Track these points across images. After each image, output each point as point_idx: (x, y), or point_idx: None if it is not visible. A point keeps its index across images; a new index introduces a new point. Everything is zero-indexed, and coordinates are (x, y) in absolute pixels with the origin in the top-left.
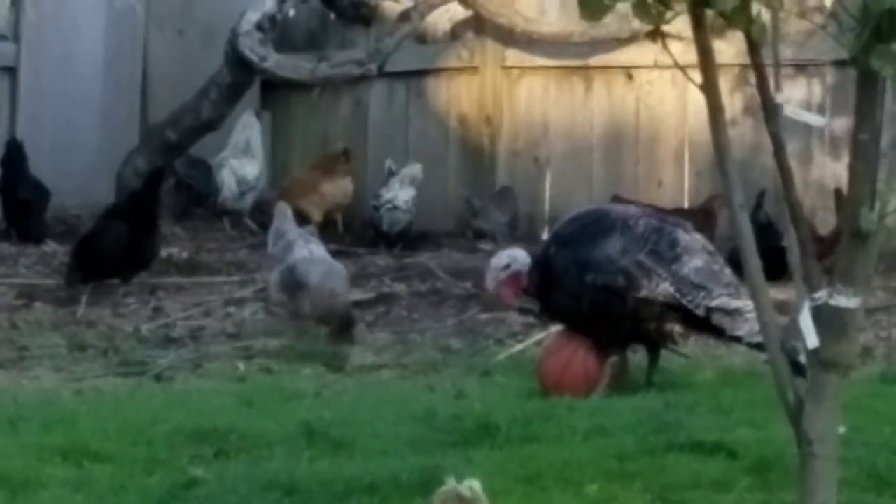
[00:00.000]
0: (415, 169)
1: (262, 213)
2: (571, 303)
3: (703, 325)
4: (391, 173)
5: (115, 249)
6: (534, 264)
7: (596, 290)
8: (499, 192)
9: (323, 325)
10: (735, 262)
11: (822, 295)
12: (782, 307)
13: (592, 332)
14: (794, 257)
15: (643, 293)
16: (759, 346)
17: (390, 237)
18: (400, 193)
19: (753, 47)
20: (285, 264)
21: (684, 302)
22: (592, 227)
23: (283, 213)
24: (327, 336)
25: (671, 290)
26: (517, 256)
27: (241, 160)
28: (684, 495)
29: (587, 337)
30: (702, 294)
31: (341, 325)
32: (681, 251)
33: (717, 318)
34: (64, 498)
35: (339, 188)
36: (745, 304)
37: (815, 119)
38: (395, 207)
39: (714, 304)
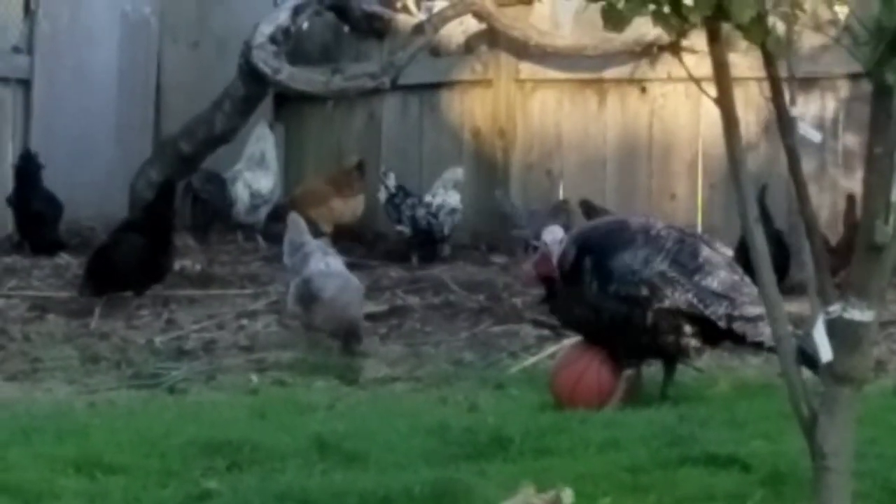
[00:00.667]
0: (457, 173)
1: (275, 222)
2: (590, 313)
3: (725, 334)
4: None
5: (129, 262)
6: (564, 259)
7: (618, 300)
8: (554, 207)
9: (334, 338)
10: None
11: (836, 308)
12: (796, 320)
13: (610, 344)
14: (808, 271)
15: (665, 304)
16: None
17: (444, 240)
18: (449, 198)
19: (769, 60)
20: (301, 276)
21: (707, 312)
22: (614, 236)
23: (297, 224)
24: (339, 349)
25: (694, 300)
26: (556, 232)
27: (255, 173)
28: None
29: (604, 348)
30: (724, 304)
31: (347, 337)
32: (703, 262)
33: (738, 326)
34: None
35: (349, 206)
36: (753, 309)
37: (813, 134)
38: (454, 210)
39: (736, 312)
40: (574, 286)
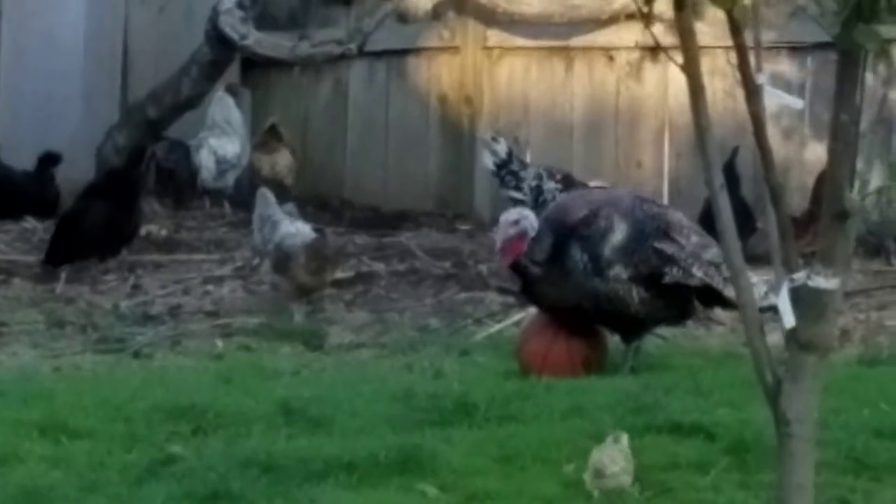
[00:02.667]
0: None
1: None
2: (586, 299)
3: (717, 300)
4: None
5: (96, 230)
6: (544, 242)
7: (620, 283)
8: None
9: (310, 299)
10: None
11: (800, 276)
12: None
13: (606, 325)
14: (773, 239)
15: (667, 279)
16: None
17: None
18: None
19: (735, 28)
20: (273, 242)
21: (714, 283)
22: (601, 219)
23: (265, 198)
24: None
25: (699, 273)
26: (528, 216)
27: (220, 139)
28: (662, 476)
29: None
30: (714, 269)
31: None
32: (687, 231)
33: (729, 290)
34: (42, 473)
35: (268, 160)
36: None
37: (793, 101)
38: None
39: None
40: (557, 271)
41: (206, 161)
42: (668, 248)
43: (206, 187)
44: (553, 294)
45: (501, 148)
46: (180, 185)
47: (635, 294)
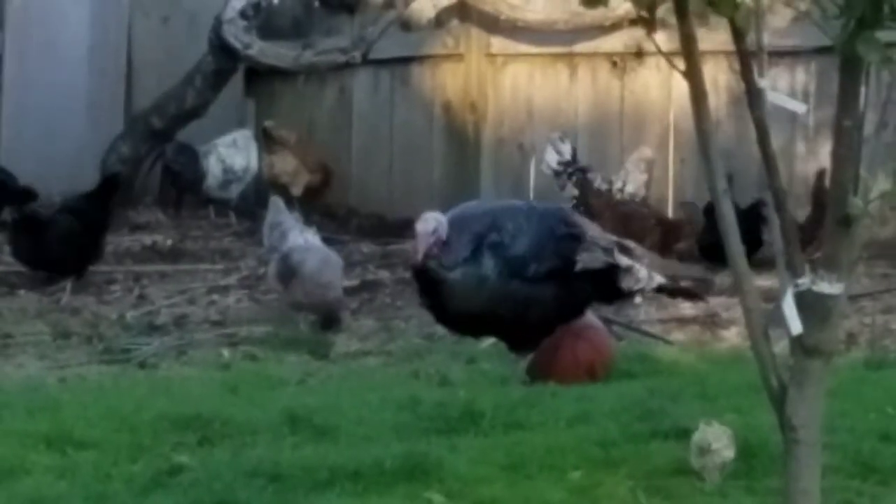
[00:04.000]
0: (644, 152)
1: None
2: (500, 306)
3: (613, 290)
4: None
5: (60, 242)
6: (453, 249)
7: (538, 281)
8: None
9: (315, 313)
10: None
11: (805, 281)
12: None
13: (506, 333)
14: (777, 244)
15: (580, 266)
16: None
17: None
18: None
19: (738, 34)
20: (280, 252)
21: (613, 261)
22: (508, 222)
23: (277, 206)
24: (315, 324)
25: (605, 256)
26: (442, 221)
27: (229, 149)
28: (668, 482)
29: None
30: (613, 254)
31: (328, 316)
32: (583, 222)
33: (623, 279)
34: (48, 485)
35: (266, 164)
36: (625, 258)
37: (796, 105)
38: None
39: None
40: (470, 278)
41: (213, 168)
42: (575, 230)
43: (211, 195)
44: (463, 304)
45: (566, 148)
46: (184, 187)
47: (549, 292)
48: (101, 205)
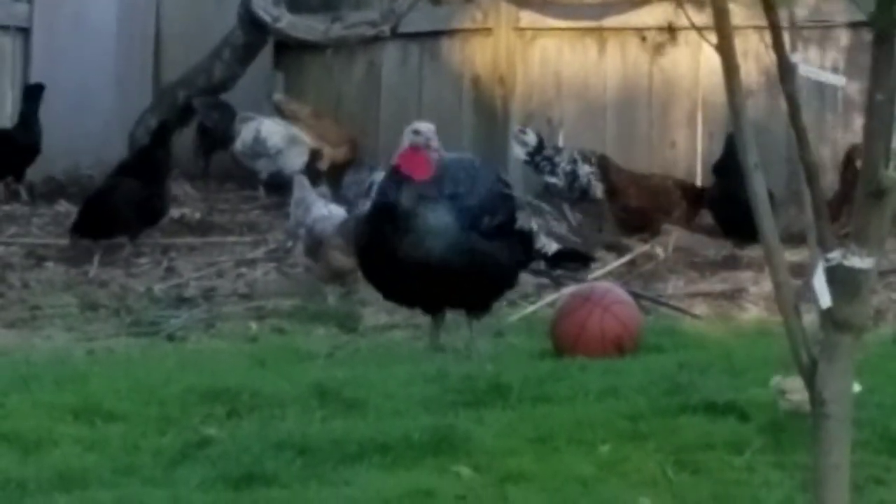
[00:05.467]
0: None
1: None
2: (455, 257)
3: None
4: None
5: (124, 206)
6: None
7: (489, 235)
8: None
9: (343, 281)
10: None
11: (835, 255)
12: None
13: (457, 296)
14: (808, 218)
15: (518, 225)
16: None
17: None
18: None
19: (770, 7)
20: (305, 226)
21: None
22: (462, 175)
23: (301, 183)
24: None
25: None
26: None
27: (270, 124)
28: (697, 456)
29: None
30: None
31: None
32: (509, 180)
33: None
34: (76, 456)
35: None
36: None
37: (833, 78)
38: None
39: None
40: (423, 226)
41: (245, 134)
42: (509, 190)
43: (238, 159)
44: (414, 251)
45: (530, 138)
46: (212, 144)
47: (498, 248)
48: (157, 155)
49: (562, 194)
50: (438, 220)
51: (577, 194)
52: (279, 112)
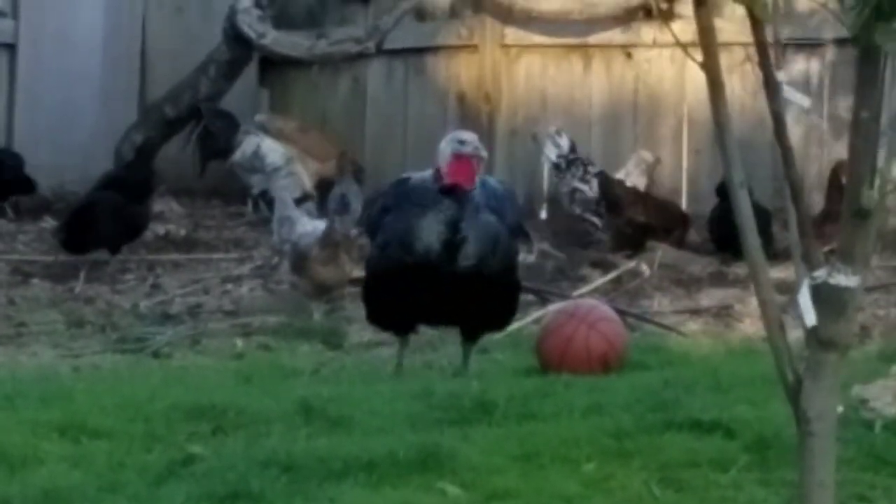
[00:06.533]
0: (645, 155)
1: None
2: (493, 261)
3: None
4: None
5: (105, 220)
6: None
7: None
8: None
9: (328, 297)
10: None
11: (821, 273)
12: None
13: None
14: (793, 236)
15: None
16: None
17: None
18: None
19: (756, 24)
20: (290, 242)
21: None
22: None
23: (283, 201)
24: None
25: None
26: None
27: (272, 142)
28: (682, 474)
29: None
30: None
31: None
32: None
33: None
34: (62, 474)
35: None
36: None
37: (799, 98)
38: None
39: None
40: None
41: (245, 146)
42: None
43: (234, 169)
44: (470, 258)
45: (564, 142)
46: (213, 151)
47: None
48: (141, 171)
49: (586, 204)
50: (494, 228)
51: (604, 207)
52: (265, 132)
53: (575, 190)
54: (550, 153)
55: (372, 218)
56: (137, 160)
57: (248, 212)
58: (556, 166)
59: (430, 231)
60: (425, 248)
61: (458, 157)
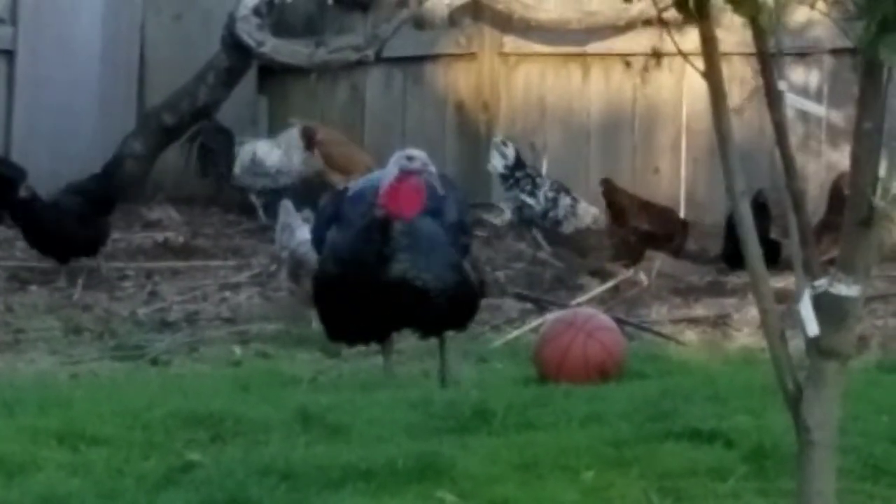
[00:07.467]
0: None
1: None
2: (446, 272)
3: None
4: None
5: (58, 229)
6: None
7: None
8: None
9: None
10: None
11: (822, 283)
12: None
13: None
14: (794, 245)
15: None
16: None
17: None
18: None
19: (759, 35)
20: (288, 249)
21: None
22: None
23: (286, 209)
24: None
25: None
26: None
27: (266, 144)
28: (681, 483)
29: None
30: None
31: None
32: None
33: None
34: (60, 481)
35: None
36: None
37: (815, 108)
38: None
39: None
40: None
41: (243, 156)
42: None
43: (237, 181)
44: (408, 272)
45: (510, 152)
46: (214, 167)
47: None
48: (107, 184)
49: (533, 219)
50: (429, 232)
51: (550, 223)
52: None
53: (521, 205)
54: (497, 163)
55: (317, 231)
56: (104, 174)
57: (245, 220)
58: (502, 177)
59: (362, 242)
60: (359, 260)
61: (404, 177)
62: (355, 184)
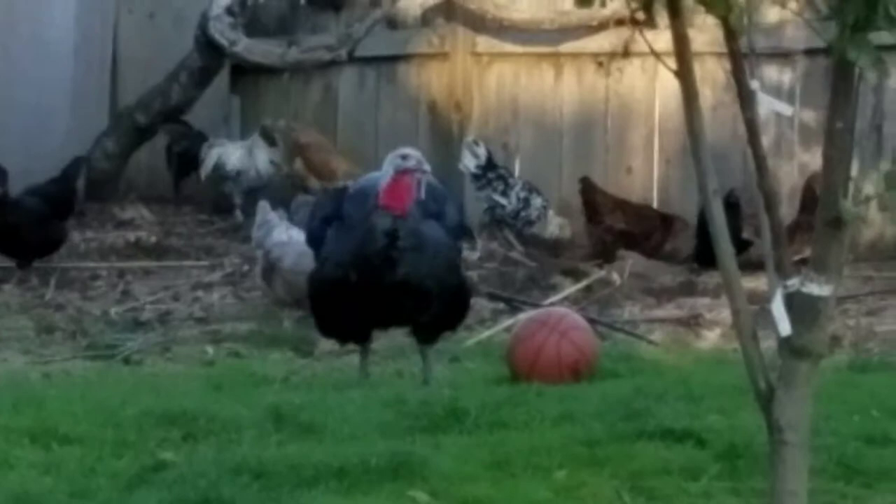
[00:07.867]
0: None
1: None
2: (439, 272)
3: None
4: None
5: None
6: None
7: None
8: None
9: (297, 308)
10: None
11: (794, 282)
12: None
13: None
14: (766, 245)
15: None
16: None
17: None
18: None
19: (731, 34)
20: (263, 249)
21: None
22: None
23: (264, 209)
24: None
25: None
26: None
27: (228, 147)
28: (653, 482)
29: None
30: None
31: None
32: None
33: None
34: (32, 480)
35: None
36: None
37: (783, 108)
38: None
39: None
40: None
41: (207, 160)
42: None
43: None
44: (415, 270)
45: (482, 151)
46: (181, 170)
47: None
48: (66, 187)
49: (505, 219)
50: (433, 234)
51: (521, 224)
52: (269, 139)
53: (493, 205)
54: (469, 163)
55: (314, 229)
56: (63, 177)
57: (217, 219)
58: (474, 177)
59: (368, 244)
60: (365, 262)
61: (399, 176)
62: (355, 182)
